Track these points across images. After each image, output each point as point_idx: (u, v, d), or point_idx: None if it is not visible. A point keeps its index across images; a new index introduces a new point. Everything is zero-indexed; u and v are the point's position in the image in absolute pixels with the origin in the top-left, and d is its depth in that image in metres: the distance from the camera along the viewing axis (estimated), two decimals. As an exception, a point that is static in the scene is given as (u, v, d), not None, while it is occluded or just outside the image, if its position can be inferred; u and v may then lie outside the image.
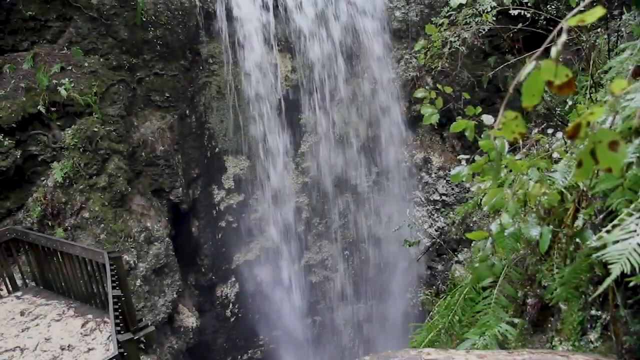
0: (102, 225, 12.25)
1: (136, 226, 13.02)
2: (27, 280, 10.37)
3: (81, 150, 12.14)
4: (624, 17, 7.13)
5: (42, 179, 12.11)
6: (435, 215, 16.12)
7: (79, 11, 12.57)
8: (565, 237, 3.06)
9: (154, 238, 13.48)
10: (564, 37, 1.16)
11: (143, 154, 13.89)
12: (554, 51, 1.16)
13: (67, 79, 12.13)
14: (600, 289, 1.67)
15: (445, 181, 15.99)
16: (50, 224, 11.88)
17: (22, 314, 9.26)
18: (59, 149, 12.09)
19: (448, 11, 8.54)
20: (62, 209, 11.98)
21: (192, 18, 14.15)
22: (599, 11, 1.17)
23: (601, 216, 2.44)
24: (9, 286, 10.04)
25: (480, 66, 15.23)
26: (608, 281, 1.66)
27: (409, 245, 10.62)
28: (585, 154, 1.21)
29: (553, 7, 13.18)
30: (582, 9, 1.27)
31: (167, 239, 13.96)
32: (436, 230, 16.00)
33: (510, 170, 3.02)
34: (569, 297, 2.68)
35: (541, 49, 1.29)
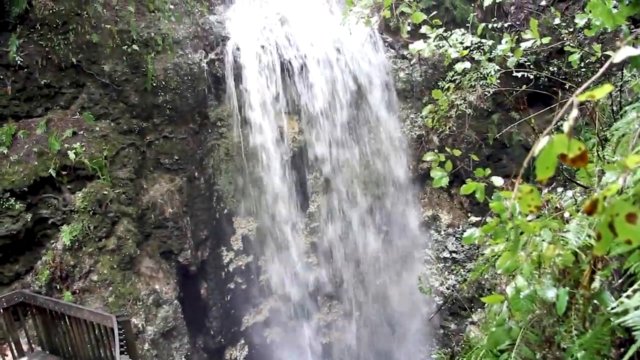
0: (111, 288, 12.16)
1: (145, 289, 12.92)
2: (33, 345, 10.21)
3: (91, 213, 12.21)
4: (624, 74, 7.28)
5: (52, 242, 12.14)
6: (446, 273, 15.94)
7: (91, 78, 12.96)
8: (583, 298, 3.02)
9: (163, 301, 13.34)
10: (575, 113, 1.20)
11: (152, 216, 13.94)
12: (566, 126, 1.20)
13: (78, 143, 12.35)
14: (626, 357, 1.65)
15: (454, 238, 15.92)
16: (58, 287, 11.81)
17: (27, 381, 9.07)
18: (69, 212, 12.16)
19: (453, 75, 8.78)
20: (71, 272, 11.95)
21: (200, 83, 14.52)
22: (607, 88, 1.22)
23: (620, 280, 2.42)
24: (15, 351, 9.86)
25: (485, 124, 15.48)
26: (634, 348, 1.64)
27: (423, 292, 10.51)
28: (604, 227, 1.22)
29: (554, 65, 13.53)
30: (591, 83, 1.31)
31: (175, 301, 13.80)
32: (447, 288, 15.77)
33: (522, 233, 3.01)
34: (591, 362, 2.63)
35: (552, 125, 1.33)
